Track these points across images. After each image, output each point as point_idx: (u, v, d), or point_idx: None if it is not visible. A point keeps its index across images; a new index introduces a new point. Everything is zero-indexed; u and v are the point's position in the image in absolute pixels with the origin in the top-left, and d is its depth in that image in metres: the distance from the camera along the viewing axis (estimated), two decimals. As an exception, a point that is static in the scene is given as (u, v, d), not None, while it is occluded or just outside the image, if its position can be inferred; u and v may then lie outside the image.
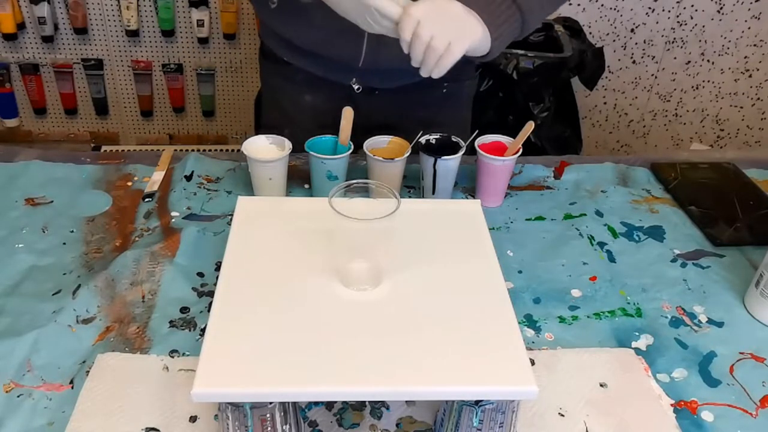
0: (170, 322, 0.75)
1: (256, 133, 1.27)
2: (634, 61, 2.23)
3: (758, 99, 2.32)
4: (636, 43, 2.19)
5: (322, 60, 1.00)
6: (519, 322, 0.69)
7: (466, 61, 1.08)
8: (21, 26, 2.08)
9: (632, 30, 2.16)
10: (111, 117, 2.30)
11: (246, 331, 0.59)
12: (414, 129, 0.95)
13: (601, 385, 0.70)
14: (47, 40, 2.10)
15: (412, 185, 1.01)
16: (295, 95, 1.09)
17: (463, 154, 0.93)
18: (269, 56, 1.09)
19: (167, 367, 0.69)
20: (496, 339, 0.59)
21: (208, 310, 0.73)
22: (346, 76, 1.03)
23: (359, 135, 0.95)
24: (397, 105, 1.05)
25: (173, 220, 0.92)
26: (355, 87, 1.04)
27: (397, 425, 0.65)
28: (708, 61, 2.23)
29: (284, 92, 1.11)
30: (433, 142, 0.95)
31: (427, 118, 1.07)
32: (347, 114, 0.93)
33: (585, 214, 0.98)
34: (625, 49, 2.20)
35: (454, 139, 0.94)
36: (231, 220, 0.82)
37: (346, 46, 0.85)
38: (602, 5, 2.11)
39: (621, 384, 0.70)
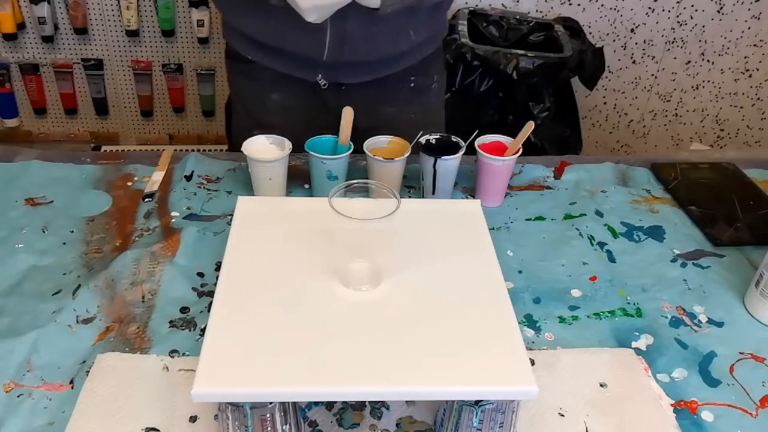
0: (170, 322, 0.75)
1: (228, 138, 1.26)
2: (634, 61, 2.23)
3: (758, 99, 2.32)
4: (636, 43, 2.19)
5: (286, 56, 0.99)
6: (519, 322, 0.68)
7: (433, 54, 1.09)
8: (21, 26, 2.08)
9: (632, 30, 2.16)
10: (111, 117, 2.30)
11: (246, 331, 0.59)
12: (384, 125, 0.95)
13: (601, 385, 0.70)
14: (47, 40, 2.10)
15: (412, 185, 1.01)
16: (261, 94, 1.09)
17: (463, 154, 0.93)
18: (234, 56, 1.08)
19: (167, 367, 0.69)
20: (496, 339, 0.59)
21: (208, 310, 0.73)
22: (311, 72, 1.02)
23: (328, 132, 0.95)
24: (366, 101, 1.03)
25: (173, 220, 0.92)
26: (321, 83, 1.04)
27: (397, 425, 0.65)
28: (708, 61, 2.23)
29: (251, 92, 1.10)
30: (433, 142, 0.95)
31: (396, 114, 1.07)
32: (347, 114, 0.93)
33: (585, 214, 0.98)
34: (625, 49, 2.20)
35: (454, 139, 0.94)
36: (231, 220, 0.82)
37: (310, 39, 0.85)
38: (602, 5, 2.11)
39: (621, 384, 0.70)
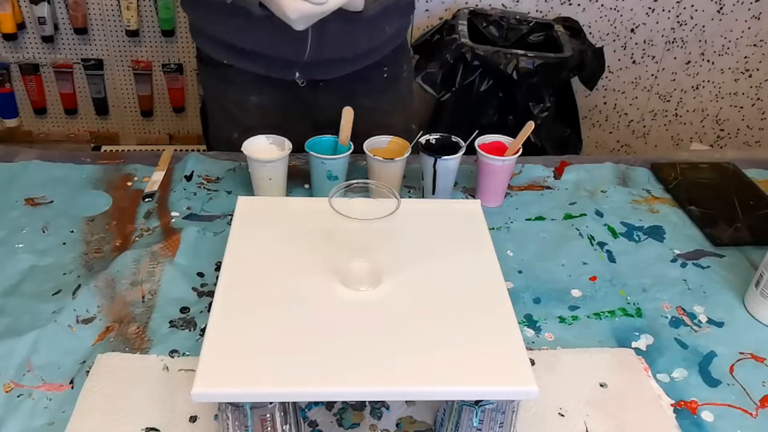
0: (170, 322, 0.75)
1: (206, 143, 1.26)
2: (634, 61, 2.23)
3: (758, 99, 2.32)
4: (636, 43, 2.19)
5: (264, 58, 0.99)
6: (519, 322, 0.69)
7: (402, 44, 1.12)
8: (21, 26, 2.08)
9: (632, 30, 2.16)
10: (111, 117, 2.30)
11: (246, 331, 0.59)
12: (360, 117, 0.95)
13: (601, 385, 0.70)
14: (47, 40, 2.10)
15: (412, 185, 1.01)
16: (239, 97, 1.08)
17: (463, 154, 0.93)
18: (207, 61, 1.08)
19: (167, 367, 0.69)
20: (496, 339, 0.59)
21: (208, 310, 0.73)
22: (289, 71, 1.02)
23: (308, 130, 0.95)
24: (342, 95, 1.03)
25: (173, 220, 0.92)
26: (299, 82, 1.04)
27: (397, 425, 0.65)
28: (708, 61, 2.23)
29: (228, 96, 1.10)
30: (433, 142, 0.95)
31: (371, 105, 1.07)
32: (347, 114, 0.93)
33: (585, 214, 0.98)
34: (625, 49, 2.20)
35: (454, 139, 0.94)
36: (231, 220, 0.82)
37: (291, 43, 0.85)
38: (602, 5, 2.11)
39: (621, 384, 0.70)
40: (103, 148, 2.31)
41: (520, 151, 0.94)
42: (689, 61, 2.24)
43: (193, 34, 1.09)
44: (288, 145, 0.92)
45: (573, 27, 2.01)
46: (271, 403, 0.56)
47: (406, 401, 0.67)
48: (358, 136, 0.94)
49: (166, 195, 0.97)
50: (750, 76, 2.27)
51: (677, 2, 2.11)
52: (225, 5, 0.88)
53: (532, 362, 0.71)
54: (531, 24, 2.02)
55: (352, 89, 1.06)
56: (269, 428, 0.57)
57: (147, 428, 0.63)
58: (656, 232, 0.95)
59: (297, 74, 1.03)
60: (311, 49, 0.96)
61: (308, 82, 1.05)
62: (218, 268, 0.82)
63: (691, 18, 2.15)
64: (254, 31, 0.95)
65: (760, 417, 0.68)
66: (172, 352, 0.71)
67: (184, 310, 0.77)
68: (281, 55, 0.98)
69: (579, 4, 2.11)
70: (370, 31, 0.99)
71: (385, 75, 1.11)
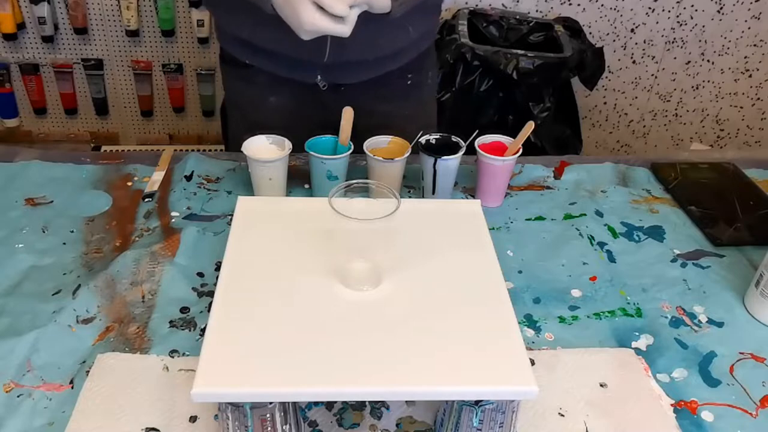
0: (170, 322, 0.75)
1: (224, 142, 1.25)
2: (634, 61, 2.23)
3: (758, 99, 2.32)
4: (636, 43, 2.19)
5: (284, 59, 0.98)
6: (519, 322, 0.69)
7: (427, 50, 1.10)
8: (21, 26, 2.08)
9: (632, 30, 2.16)
10: (111, 117, 2.30)
11: (246, 331, 0.59)
12: (381, 123, 0.95)
13: (601, 385, 0.70)
14: (47, 40, 2.10)
15: (412, 185, 1.01)
16: (259, 98, 1.08)
17: (463, 154, 0.93)
18: (229, 61, 1.08)
19: (167, 367, 0.69)
20: (496, 339, 0.59)
21: (208, 310, 0.73)
22: (310, 74, 1.01)
23: (327, 133, 0.95)
24: (364, 100, 1.02)
25: (173, 220, 0.92)
26: (321, 84, 1.03)
27: (397, 425, 0.65)
28: (708, 61, 2.23)
29: (248, 96, 1.10)
30: (433, 142, 0.95)
31: (393, 111, 1.07)
32: (347, 114, 0.93)
33: (585, 214, 0.98)
34: (625, 49, 2.20)
35: (454, 139, 0.94)
36: (231, 220, 0.82)
37: (310, 43, 0.85)
38: (602, 5, 2.11)
39: (621, 384, 0.70)
40: (103, 148, 2.31)
41: (520, 151, 0.94)
42: (689, 61, 2.24)
43: (217, 34, 1.10)
44: (288, 145, 0.92)
45: (573, 27, 2.01)
46: (271, 403, 0.56)
47: (406, 401, 0.67)
48: None
49: (166, 195, 0.97)
50: (750, 76, 2.27)
51: (677, 2, 2.11)
52: (239, 2, 0.87)
53: (532, 362, 0.71)
54: (531, 24, 2.02)
55: (374, 94, 1.05)
56: (269, 428, 0.57)
57: (147, 428, 0.63)
58: (656, 232, 0.95)
59: (319, 77, 1.02)
60: (330, 50, 0.95)
61: (330, 85, 1.03)
62: (218, 268, 0.82)
63: (691, 18, 2.15)
64: (272, 30, 0.95)
65: (760, 417, 0.68)
66: (172, 352, 0.71)
67: (184, 310, 0.77)
68: (301, 56, 0.97)
69: (579, 4, 2.11)
70: (392, 32, 0.97)
71: (409, 82, 1.09)
